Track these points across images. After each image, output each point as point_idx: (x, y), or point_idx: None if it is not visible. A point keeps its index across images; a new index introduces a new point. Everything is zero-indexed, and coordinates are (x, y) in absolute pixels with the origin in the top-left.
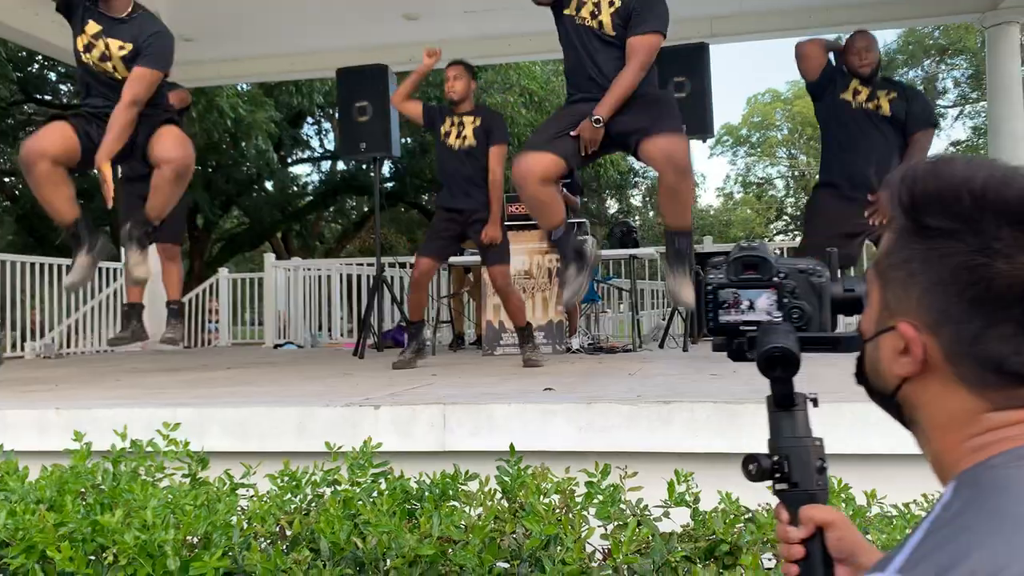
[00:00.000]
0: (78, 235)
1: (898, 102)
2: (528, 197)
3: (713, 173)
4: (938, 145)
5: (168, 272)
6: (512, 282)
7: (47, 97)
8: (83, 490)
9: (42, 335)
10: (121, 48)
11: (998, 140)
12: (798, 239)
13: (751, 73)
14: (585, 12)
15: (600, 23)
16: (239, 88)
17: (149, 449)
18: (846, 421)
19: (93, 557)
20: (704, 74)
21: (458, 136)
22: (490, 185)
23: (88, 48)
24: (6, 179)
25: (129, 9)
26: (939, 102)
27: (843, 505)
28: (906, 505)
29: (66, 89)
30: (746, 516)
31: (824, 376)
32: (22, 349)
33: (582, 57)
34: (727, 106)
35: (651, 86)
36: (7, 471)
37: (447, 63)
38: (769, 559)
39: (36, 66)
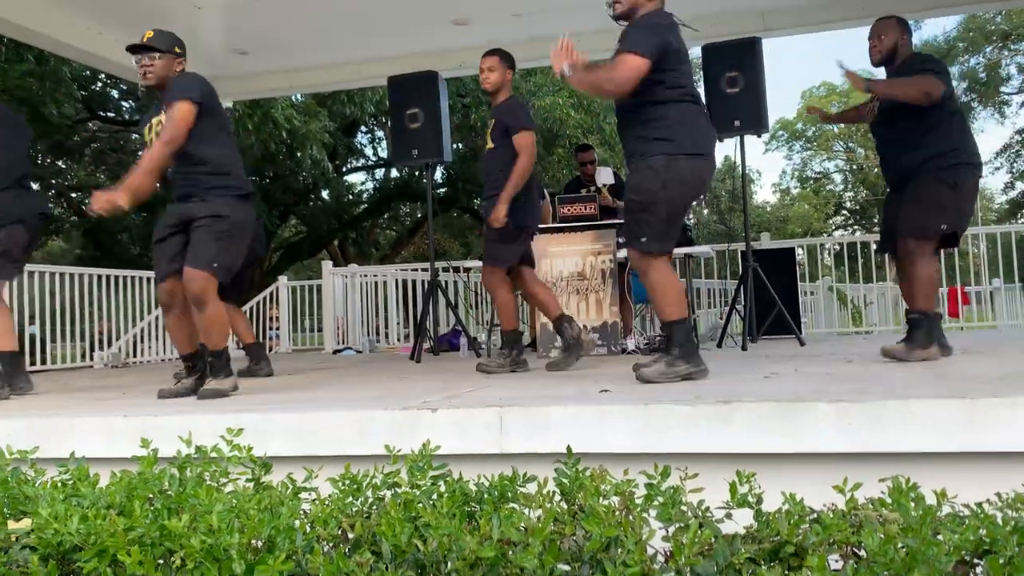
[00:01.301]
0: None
1: None
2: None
3: (769, 169)
4: (1003, 134)
5: (235, 322)
6: (497, 283)
7: (110, 114)
8: (151, 496)
9: (109, 345)
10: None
11: None
12: (858, 234)
13: (805, 66)
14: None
15: None
16: (293, 99)
17: (213, 455)
18: (913, 419)
19: (162, 561)
20: (757, 68)
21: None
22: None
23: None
24: (73, 194)
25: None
26: (1003, 89)
27: (912, 504)
28: (979, 504)
29: (127, 106)
30: (811, 517)
31: (886, 376)
32: (91, 359)
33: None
34: (781, 100)
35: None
36: (79, 477)
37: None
38: (836, 560)
39: (99, 84)
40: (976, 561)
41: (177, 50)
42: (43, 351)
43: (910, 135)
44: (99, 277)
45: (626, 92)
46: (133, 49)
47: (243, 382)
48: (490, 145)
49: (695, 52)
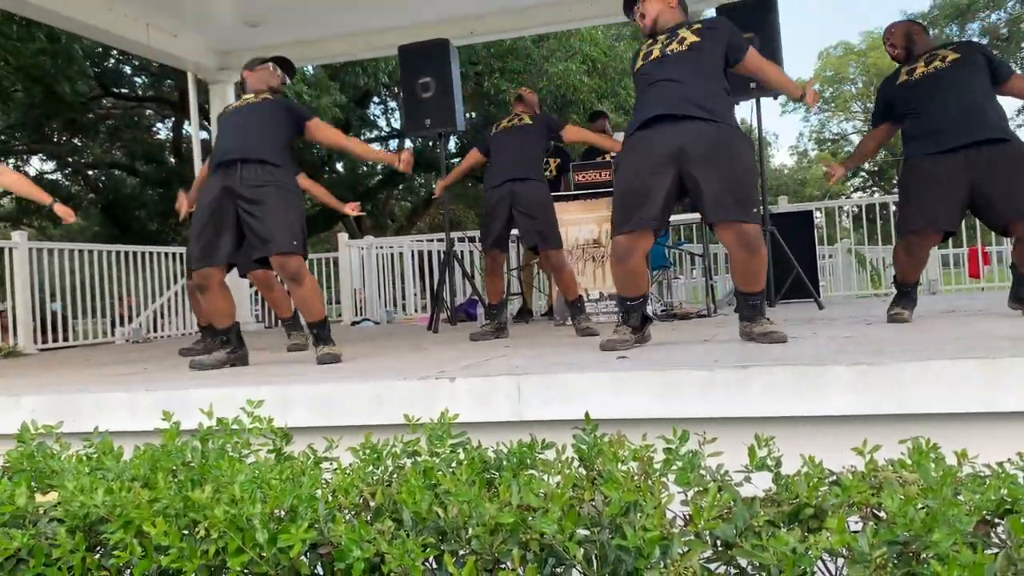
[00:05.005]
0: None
1: (963, 53)
2: (622, 270)
3: (786, 131)
4: None
5: (271, 300)
6: (566, 259)
7: (124, 91)
8: (174, 468)
9: (130, 321)
10: None
11: None
12: (876, 195)
13: (822, 26)
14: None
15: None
16: (305, 72)
17: (235, 427)
18: (932, 380)
19: (186, 531)
20: (773, 29)
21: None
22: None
23: None
24: (89, 172)
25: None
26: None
27: (932, 465)
28: (1000, 464)
29: (140, 82)
30: (830, 479)
31: (905, 338)
32: (112, 335)
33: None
34: (798, 61)
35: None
36: (103, 451)
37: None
38: (856, 522)
39: (112, 61)
40: (997, 521)
41: None
42: (65, 328)
43: (987, 94)
44: (117, 253)
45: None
46: (283, 64)
47: (263, 355)
48: (528, 120)
49: (709, 13)
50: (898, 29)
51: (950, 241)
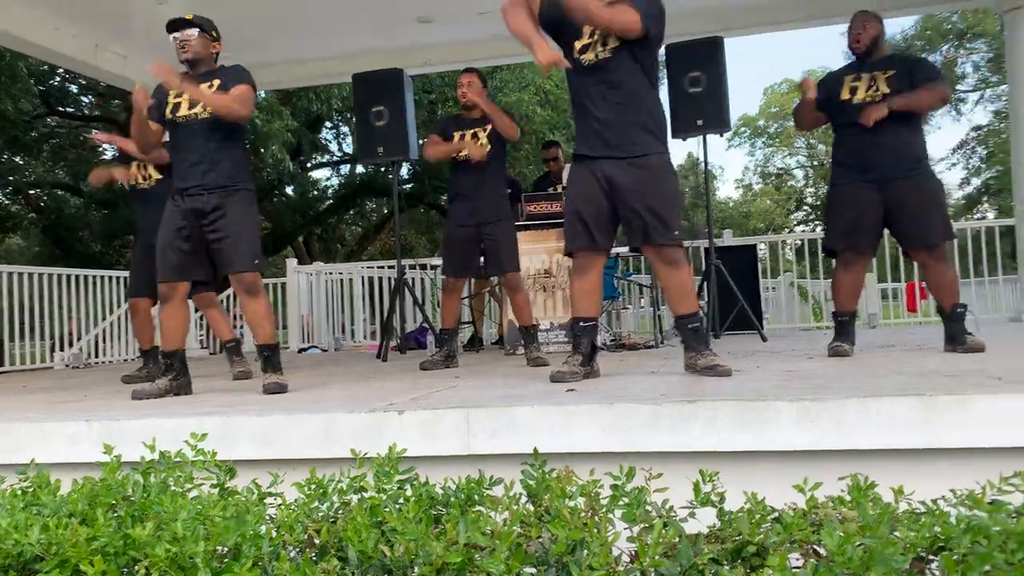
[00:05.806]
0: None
1: (899, 77)
2: (584, 282)
3: (731, 165)
4: (959, 130)
5: (212, 319)
6: (522, 281)
7: (69, 109)
8: (114, 503)
9: (71, 345)
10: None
11: (1020, 124)
12: (819, 230)
13: (767, 63)
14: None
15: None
16: (257, 96)
17: (178, 460)
18: (872, 417)
19: (126, 570)
20: (719, 67)
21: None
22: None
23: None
24: (31, 191)
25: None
26: (959, 87)
27: (869, 504)
28: (934, 501)
29: (87, 101)
30: (772, 516)
31: (846, 373)
32: (51, 360)
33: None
34: (744, 98)
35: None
36: (40, 485)
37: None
38: (796, 559)
39: (57, 80)
40: (931, 558)
41: (214, 33)
42: (0, 352)
43: (905, 131)
44: (59, 276)
45: (613, 32)
46: (172, 26)
47: (207, 382)
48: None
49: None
50: (871, 27)
51: (889, 275)
